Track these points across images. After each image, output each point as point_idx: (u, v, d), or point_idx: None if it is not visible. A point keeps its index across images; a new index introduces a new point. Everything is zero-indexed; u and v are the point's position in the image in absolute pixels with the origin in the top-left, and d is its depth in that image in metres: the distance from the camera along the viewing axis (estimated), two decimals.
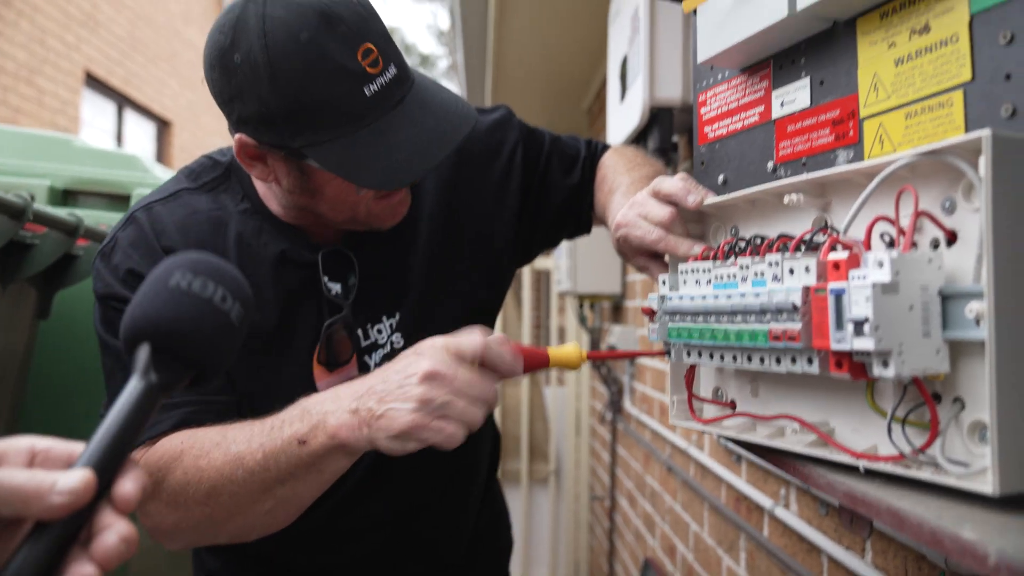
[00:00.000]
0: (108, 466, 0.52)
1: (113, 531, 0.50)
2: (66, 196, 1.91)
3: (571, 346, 0.91)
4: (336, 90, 0.89)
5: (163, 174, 2.19)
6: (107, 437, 0.53)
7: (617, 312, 3.42)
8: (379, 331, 1.12)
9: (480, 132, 1.24)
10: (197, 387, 0.63)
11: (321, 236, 1.10)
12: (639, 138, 2.22)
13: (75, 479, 0.49)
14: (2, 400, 1.56)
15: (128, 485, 0.52)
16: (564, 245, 3.42)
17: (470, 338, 0.83)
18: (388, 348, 1.13)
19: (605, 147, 1.33)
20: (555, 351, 0.89)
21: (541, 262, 4.64)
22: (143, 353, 0.57)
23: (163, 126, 8.71)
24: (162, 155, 8.61)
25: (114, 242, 1.04)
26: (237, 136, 0.97)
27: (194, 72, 9.30)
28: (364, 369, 1.10)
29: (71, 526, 0.49)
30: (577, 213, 1.30)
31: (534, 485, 4.54)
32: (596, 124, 3.99)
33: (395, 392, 0.80)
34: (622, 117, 2.27)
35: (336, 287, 1.08)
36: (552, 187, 1.27)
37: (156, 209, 1.06)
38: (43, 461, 0.52)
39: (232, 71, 0.91)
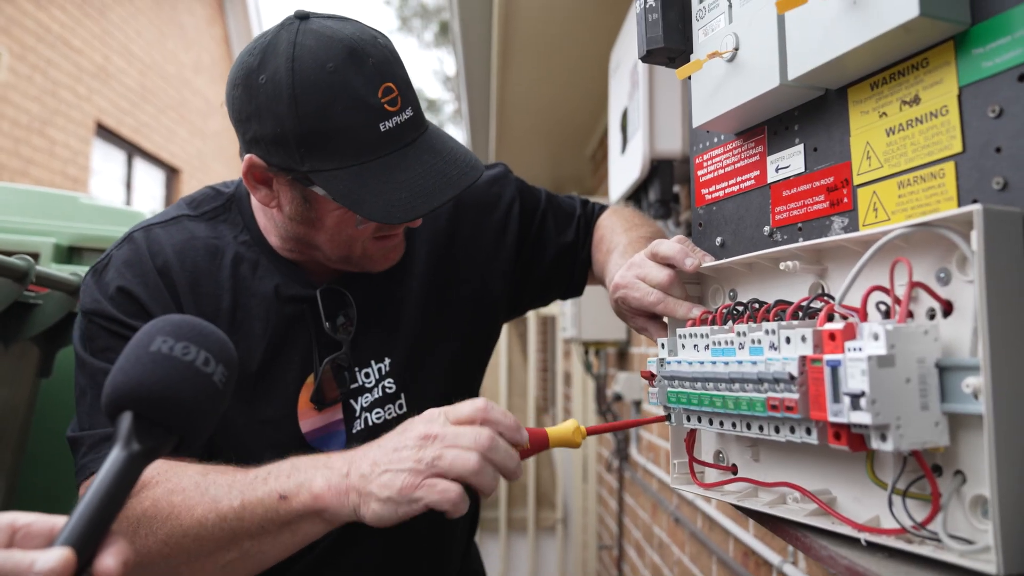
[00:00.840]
0: (88, 542, 0.51)
1: None
2: (71, 253, 1.93)
3: (569, 424, 0.90)
4: (352, 120, 0.93)
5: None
6: (88, 511, 0.52)
7: (622, 359, 3.41)
8: (367, 375, 1.11)
9: (478, 185, 1.26)
10: (179, 447, 0.61)
11: (316, 275, 1.11)
12: (640, 189, 2.24)
13: (53, 559, 0.48)
14: (2, 457, 1.55)
15: (108, 561, 0.52)
16: None
17: (470, 402, 0.83)
18: (379, 393, 1.12)
19: (602, 208, 1.34)
20: (554, 431, 0.89)
21: (547, 308, 4.64)
22: (125, 421, 0.57)
23: (172, 174, 8.82)
24: (171, 202, 8.69)
25: (108, 260, 1.05)
26: (248, 156, 0.99)
27: (203, 121, 9.44)
28: (349, 412, 1.09)
29: None
30: (570, 272, 1.31)
31: (541, 533, 4.47)
32: (600, 171, 4.03)
33: (390, 456, 0.80)
34: (623, 169, 2.29)
35: (326, 325, 1.08)
36: (546, 243, 1.28)
37: (155, 232, 1.07)
38: (24, 538, 0.52)
39: (255, 90, 0.94)
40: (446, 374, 1.20)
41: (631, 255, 1.05)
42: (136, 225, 1.09)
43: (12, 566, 0.48)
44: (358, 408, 1.10)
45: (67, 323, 1.55)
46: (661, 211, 2.13)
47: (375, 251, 1.06)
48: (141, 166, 8.26)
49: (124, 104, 7.68)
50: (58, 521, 0.53)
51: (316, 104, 0.92)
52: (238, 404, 1.03)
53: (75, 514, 0.52)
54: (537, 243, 1.29)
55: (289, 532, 0.84)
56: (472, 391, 1.28)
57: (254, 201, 1.12)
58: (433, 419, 0.82)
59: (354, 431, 1.10)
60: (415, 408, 1.13)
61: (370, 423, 1.11)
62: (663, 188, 2.09)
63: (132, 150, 7.97)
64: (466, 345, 1.23)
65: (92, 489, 0.54)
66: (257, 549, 0.85)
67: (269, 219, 1.09)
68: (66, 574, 0.49)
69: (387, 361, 1.13)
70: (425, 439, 0.80)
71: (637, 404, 3.10)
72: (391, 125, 0.95)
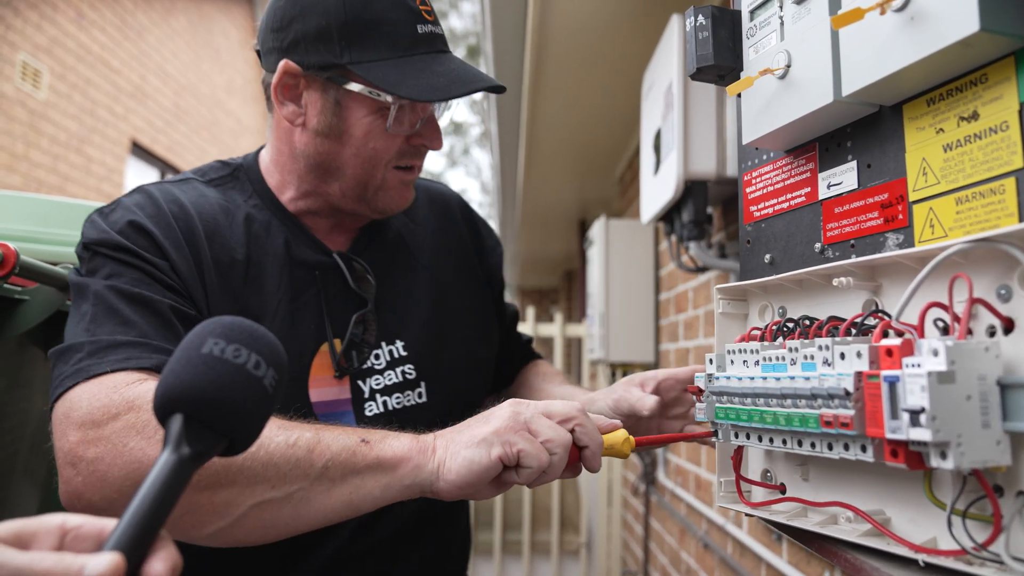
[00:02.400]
0: (138, 546, 0.51)
1: None
2: None
3: (619, 433, 0.89)
4: (395, 16, 1.00)
5: None
6: (137, 515, 0.52)
7: None
8: (376, 356, 1.10)
9: (466, 208, 1.35)
10: (228, 450, 0.61)
11: (329, 239, 1.13)
12: (673, 210, 2.24)
13: (104, 564, 0.48)
14: (36, 467, 1.57)
15: (158, 566, 0.51)
16: (596, 312, 3.41)
17: (565, 403, 0.86)
18: (398, 378, 1.11)
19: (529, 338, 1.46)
20: (607, 438, 0.88)
21: (573, 329, 4.63)
22: (175, 424, 0.56)
23: None
24: None
25: (116, 204, 1.03)
26: (283, 63, 1.01)
27: (234, 140, 9.59)
28: (356, 393, 1.07)
29: None
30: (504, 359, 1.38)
31: (564, 557, 4.43)
32: (628, 193, 4.03)
33: (465, 431, 0.83)
34: (656, 189, 2.29)
35: (351, 283, 1.10)
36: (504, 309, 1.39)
37: (166, 186, 1.07)
38: (73, 540, 0.51)
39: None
40: (467, 373, 1.20)
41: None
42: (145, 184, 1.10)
43: (63, 570, 0.47)
44: (367, 389, 1.09)
45: None
46: (695, 232, 2.12)
47: (393, 183, 1.07)
48: None
49: (159, 123, 7.83)
50: (108, 524, 0.53)
51: None
52: None
53: (124, 518, 0.52)
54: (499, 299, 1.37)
55: (350, 485, 0.81)
56: (483, 396, 1.28)
57: (265, 160, 1.14)
58: (512, 416, 0.82)
59: (368, 413, 1.08)
60: (436, 400, 1.14)
61: (389, 407, 1.10)
62: (697, 209, 2.09)
63: (165, 168, 8.11)
64: (479, 346, 1.24)
65: (142, 492, 0.53)
66: (303, 496, 0.80)
67: (283, 168, 1.11)
68: (121, 570, 0.48)
69: (399, 344, 1.13)
70: (500, 431, 0.81)
71: None
72: (426, 30, 1.03)
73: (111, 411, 0.80)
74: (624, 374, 3.68)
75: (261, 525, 0.81)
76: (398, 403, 1.10)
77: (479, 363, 1.24)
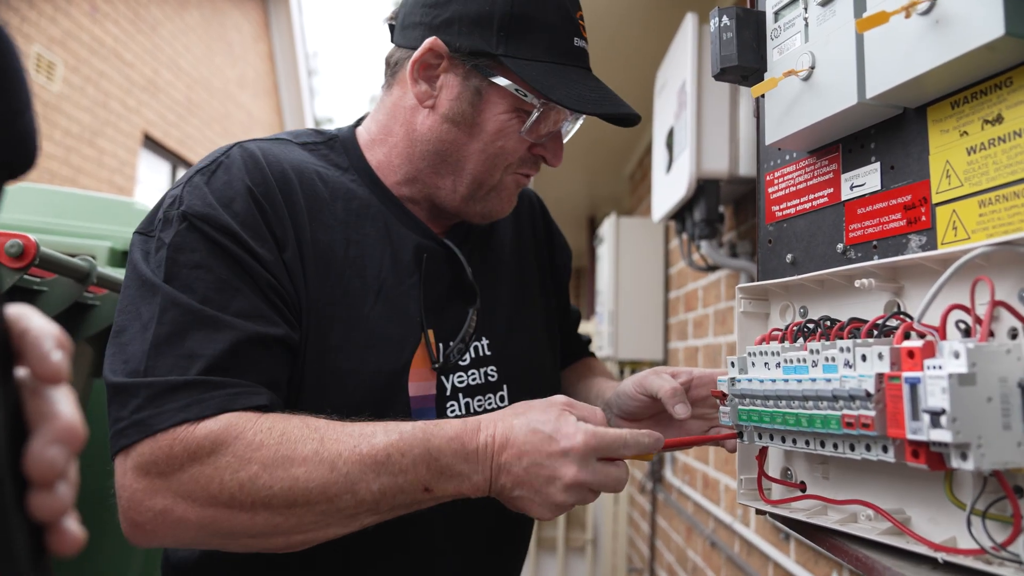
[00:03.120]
0: None
1: (47, 413, 0.41)
2: (125, 257, 1.98)
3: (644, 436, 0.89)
4: (557, 22, 0.99)
5: None
6: None
7: None
8: (460, 351, 1.05)
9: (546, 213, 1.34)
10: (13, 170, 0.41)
11: (429, 225, 1.08)
12: (685, 208, 2.24)
13: None
14: None
15: (35, 359, 0.42)
16: (606, 310, 3.42)
17: (613, 435, 0.84)
18: (481, 379, 1.07)
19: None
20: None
21: (583, 327, 4.64)
22: None
23: None
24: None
25: (217, 164, 0.94)
26: (430, 40, 0.97)
27: (245, 134, 9.61)
28: (440, 390, 1.03)
29: (3, 450, 0.39)
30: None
31: (570, 553, 4.44)
32: (638, 191, 4.03)
33: (537, 487, 0.83)
34: (668, 188, 2.30)
35: (468, 270, 1.07)
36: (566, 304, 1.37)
37: (266, 144, 1.00)
38: None
39: None
40: (541, 378, 1.18)
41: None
42: (238, 141, 1.01)
43: None
44: (449, 387, 1.04)
45: None
46: (706, 231, 2.13)
47: (507, 186, 1.04)
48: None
49: (171, 116, 7.85)
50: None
51: None
52: (351, 348, 0.95)
53: None
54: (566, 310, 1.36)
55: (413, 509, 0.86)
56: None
57: (365, 136, 1.09)
58: (583, 459, 0.82)
59: (450, 413, 1.03)
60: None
61: (472, 409, 1.05)
62: (709, 207, 2.09)
63: (177, 161, 8.14)
64: (548, 351, 1.22)
65: None
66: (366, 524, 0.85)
67: (392, 149, 1.06)
68: None
69: (484, 342, 1.08)
70: (575, 487, 0.82)
71: None
72: (580, 45, 1.01)
73: (174, 464, 0.80)
74: (633, 371, 3.69)
75: (316, 535, 0.84)
76: (479, 406, 1.07)
77: (548, 366, 1.22)
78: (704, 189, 2.09)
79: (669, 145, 2.32)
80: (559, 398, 0.88)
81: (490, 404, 1.07)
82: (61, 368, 0.42)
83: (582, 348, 1.41)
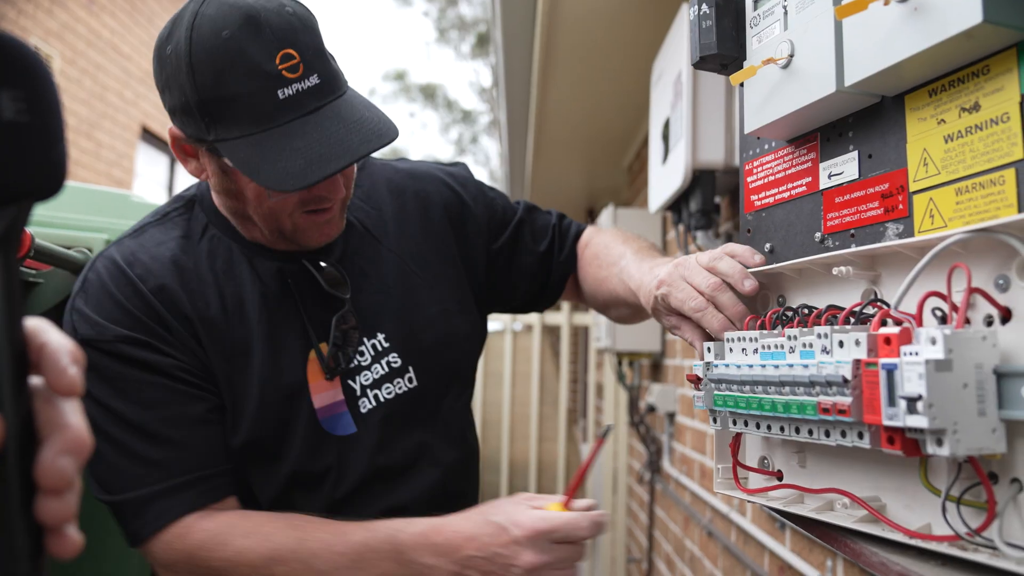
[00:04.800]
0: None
1: (59, 424, 0.44)
2: None
3: (556, 500, 0.95)
4: (248, 87, 0.92)
5: None
6: None
7: (656, 370, 3.40)
8: (360, 352, 1.12)
9: (441, 183, 1.30)
10: (36, 196, 0.45)
11: (287, 253, 1.12)
12: (681, 199, 2.24)
13: None
14: None
15: (52, 373, 0.45)
16: None
17: (561, 519, 0.90)
18: (384, 369, 1.13)
19: (579, 225, 1.39)
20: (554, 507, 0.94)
21: (580, 318, 4.64)
22: None
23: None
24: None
25: (86, 285, 1.04)
26: (169, 128, 1.01)
27: None
28: (349, 392, 1.10)
29: (14, 455, 0.42)
30: (543, 280, 1.35)
31: None
32: (636, 182, 4.03)
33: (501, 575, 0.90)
34: (664, 178, 2.29)
35: (323, 284, 1.10)
36: (520, 252, 1.32)
37: (125, 244, 1.08)
38: None
39: (164, 61, 0.96)
40: (450, 346, 1.21)
41: (641, 263, 1.10)
42: (105, 248, 1.10)
43: None
44: (358, 387, 1.11)
45: None
46: (702, 221, 2.13)
47: (307, 225, 1.05)
48: (182, 170, 8.43)
49: None
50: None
51: (211, 71, 0.92)
52: (252, 390, 1.05)
53: None
54: (511, 249, 1.32)
55: None
56: (475, 366, 1.30)
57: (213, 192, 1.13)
58: (536, 544, 0.90)
59: (363, 411, 1.11)
60: (426, 381, 1.15)
61: (381, 399, 1.12)
62: (704, 198, 2.09)
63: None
64: (458, 317, 1.23)
65: None
66: None
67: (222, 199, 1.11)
68: None
69: (380, 337, 1.13)
70: (532, 571, 0.89)
71: (671, 416, 3.08)
72: (291, 92, 0.93)
73: (177, 556, 0.98)
74: (631, 364, 3.69)
75: None
76: (388, 393, 1.12)
77: (461, 333, 1.24)
78: (700, 180, 2.09)
79: (665, 136, 2.31)
80: (522, 494, 0.98)
81: (400, 388, 1.13)
82: (76, 381, 0.45)
83: (570, 245, 1.36)
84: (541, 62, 3.03)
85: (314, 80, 0.95)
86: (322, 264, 1.11)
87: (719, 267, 0.92)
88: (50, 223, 1.90)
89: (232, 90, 0.92)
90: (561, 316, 4.50)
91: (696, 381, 0.88)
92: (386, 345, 1.13)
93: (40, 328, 0.47)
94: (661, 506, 3.37)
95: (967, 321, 0.65)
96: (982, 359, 0.61)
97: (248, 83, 0.92)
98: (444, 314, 1.20)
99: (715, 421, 0.87)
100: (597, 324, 3.62)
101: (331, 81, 0.98)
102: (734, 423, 0.83)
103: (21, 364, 0.44)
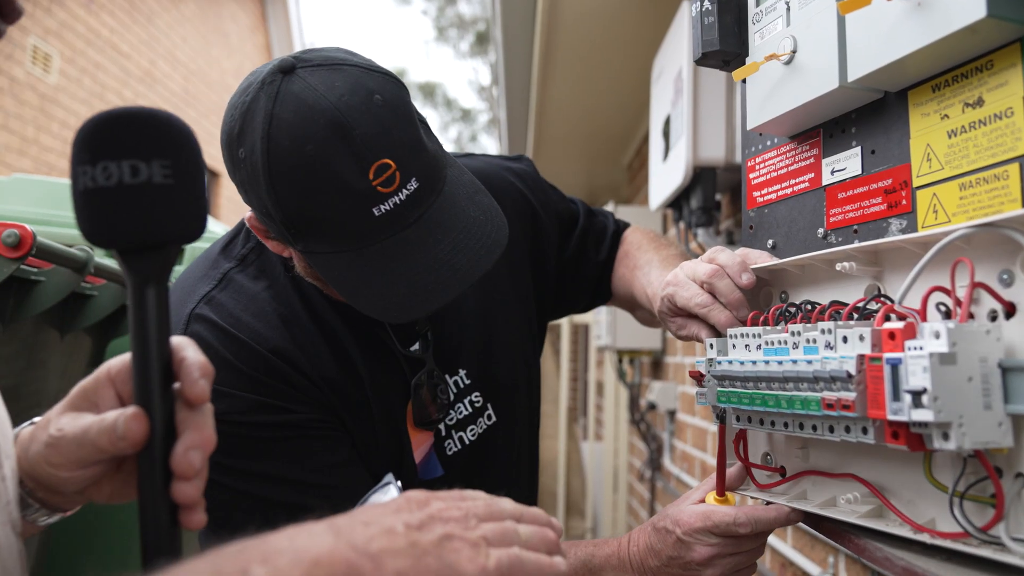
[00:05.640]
0: (145, 390, 0.56)
1: (191, 424, 0.57)
2: None
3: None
4: (339, 208, 0.82)
5: (213, 226, 2.25)
6: (135, 366, 0.57)
7: (657, 368, 3.40)
8: (441, 391, 1.07)
9: (512, 188, 1.21)
10: (181, 239, 0.57)
11: None
12: (682, 196, 2.24)
13: (127, 416, 0.55)
14: None
15: (186, 383, 0.57)
16: None
17: (719, 515, 0.87)
18: (468, 409, 1.09)
19: (625, 224, 1.35)
20: None
21: (580, 316, 4.64)
22: (119, 261, 0.57)
23: (212, 177, 8.96)
24: (211, 205, 8.86)
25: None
26: (248, 216, 0.93)
27: None
28: (437, 435, 1.06)
29: (160, 444, 0.56)
30: (598, 286, 1.31)
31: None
32: (636, 180, 4.02)
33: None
34: (665, 175, 2.29)
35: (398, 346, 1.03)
36: (585, 261, 1.29)
37: (217, 299, 0.97)
38: (121, 383, 0.62)
39: (237, 162, 0.86)
40: (527, 382, 1.18)
41: (668, 268, 1.07)
42: (186, 295, 0.98)
43: (101, 428, 0.56)
44: (443, 428, 1.06)
45: (120, 315, 1.59)
46: (703, 219, 2.13)
47: None
48: None
49: (168, 108, 7.78)
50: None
51: (295, 191, 0.81)
52: (372, 431, 1.00)
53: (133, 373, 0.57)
54: (576, 259, 1.28)
55: None
56: (538, 395, 1.27)
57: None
58: (704, 536, 0.88)
59: (449, 453, 1.06)
60: (502, 415, 1.12)
61: (466, 442, 1.08)
62: (705, 195, 2.09)
63: None
64: (528, 348, 1.21)
65: (132, 344, 0.57)
66: None
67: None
68: (141, 426, 0.55)
69: (462, 373, 1.08)
70: (709, 564, 0.89)
71: (671, 414, 3.08)
72: (388, 207, 0.82)
73: None
74: (631, 362, 3.69)
75: None
76: (473, 434, 1.09)
77: (532, 362, 1.22)
78: (700, 177, 2.09)
79: (666, 133, 2.31)
80: (692, 490, 0.96)
81: (481, 427, 1.10)
82: (205, 391, 0.58)
83: (603, 254, 1.30)
84: (541, 60, 3.03)
85: (412, 186, 0.84)
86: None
87: (718, 258, 0.92)
88: (53, 222, 1.90)
89: (320, 212, 0.82)
90: None
91: (699, 377, 0.88)
92: (467, 383, 1.09)
93: (181, 344, 0.59)
94: (662, 503, 3.38)
95: (971, 316, 0.65)
96: (986, 353, 0.61)
97: (339, 203, 0.81)
98: (519, 344, 1.17)
99: (719, 419, 0.87)
100: (597, 322, 3.62)
101: (431, 179, 0.86)
102: (738, 420, 0.83)
103: (167, 374, 0.57)
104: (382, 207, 0.82)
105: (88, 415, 0.59)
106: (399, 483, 0.89)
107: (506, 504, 0.64)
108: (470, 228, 0.88)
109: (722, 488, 0.90)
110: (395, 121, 0.83)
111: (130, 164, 0.54)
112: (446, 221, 0.86)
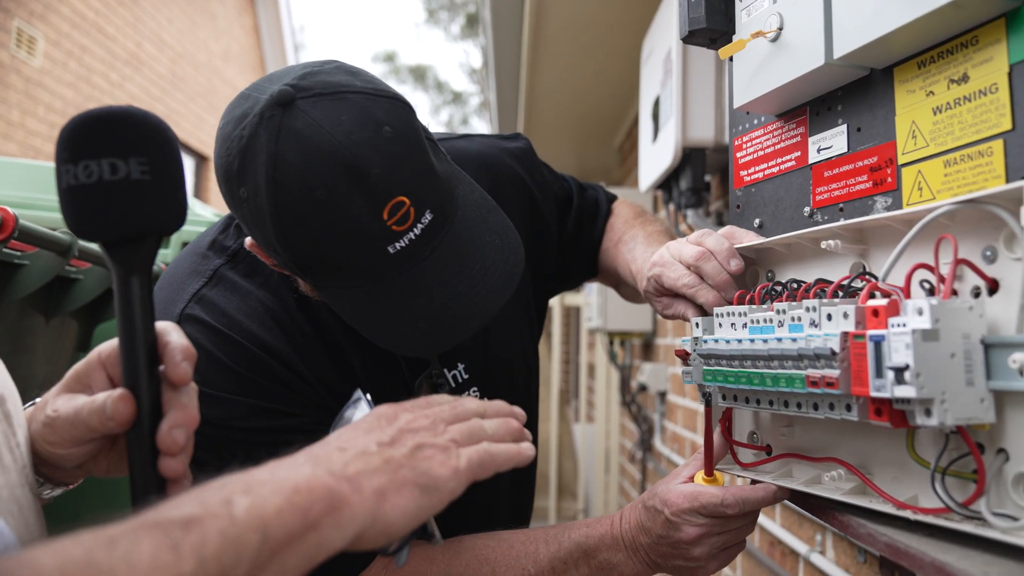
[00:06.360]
0: (133, 372, 0.60)
1: (175, 404, 0.60)
2: None
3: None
4: (353, 250, 0.79)
5: (201, 210, 2.23)
6: (122, 351, 0.60)
7: (648, 349, 3.41)
8: (441, 384, 1.07)
9: (510, 167, 1.19)
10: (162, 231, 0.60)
11: None
12: (671, 178, 2.23)
13: (114, 397, 0.59)
14: None
15: (170, 366, 0.61)
16: (595, 282, 3.42)
17: (706, 495, 0.87)
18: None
19: (613, 196, 1.34)
20: None
21: (571, 298, 4.64)
22: (104, 253, 0.60)
23: (200, 161, 8.91)
24: (199, 189, 8.80)
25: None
26: (247, 241, 0.88)
27: None
28: None
29: (147, 423, 0.59)
30: (592, 261, 1.31)
31: (562, 523, 4.49)
32: (627, 162, 4.02)
33: (672, 555, 0.92)
34: (654, 157, 2.29)
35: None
36: (582, 240, 1.28)
37: (207, 298, 0.94)
38: (112, 367, 0.65)
39: (239, 201, 0.81)
40: (526, 374, 1.18)
41: (653, 245, 1.06)
42: (175, 291, 0.95)
43: (89, 411, 0.60)
44: None
45: (106, 298, 1.57)
46: (692, 200, 2.12)
47: None
48: None
49: (155, 91, 7.77)
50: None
51: (305, 236, 0.78)
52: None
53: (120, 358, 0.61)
54: (574, 239, 1.27)
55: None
56: (536, 383, 1.27)
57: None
58: (692, 516, 0.88)
59: None
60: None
61: None
62: (695, 176, 2.09)
63: None
64: (527, 338, 1.20)
65: (118, 328, 0.60)
66: None
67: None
68: (128, 406, 0.59)
69: (460, 368, 1.08)
70: (698, 543, 0.89)
71: (662, 395, 3.09)
72: (402, 244, 0.80)
73: None
74: (622, 343, 3.70)
75: None
76: None
77: (530, 352, 1.21)
78: (690, 158, 2.08)
79: (655, 115, 2.30)
80: (680, 468, 0.96)
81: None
82: (187, 373, 0.61)
83: (598, 231, 1.29)
84: (531, 42, 3.01)
85: (427, 219, 0.81)
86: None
87: (706, 242, 0.91)
88: (38, 205, 1.88)
89: (332, 253, 0.79)
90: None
91: (685, 356, 0.88)
92: (466, 377, 1.08)
93: (165, 329, 0.63)
94: (653, 484, 3.40)
95: (954, 292, 0.65)
96: (969, 329, 0.61)
97: (352, 246, 0.78)
98: (516, 335, 1.16)
99: (704, 397, 0.87)
100: (588, 304, 3.63)
101: (444, 207, 0.83)
102: (723, 398, 0.84)
103: (152, 357, 0.60)
104: (397, 245, 0.79)
105: (81, 396, 0.63)
106: (368, 396, 0.85)
107: (470, 403, 0.67)
108: (486, 256, 0.85)
109: (710, 468, 0.90)
110: (407, 153, 0.79)
111: (109, 162, 0.57)
112: (462, 252, 0.84)
